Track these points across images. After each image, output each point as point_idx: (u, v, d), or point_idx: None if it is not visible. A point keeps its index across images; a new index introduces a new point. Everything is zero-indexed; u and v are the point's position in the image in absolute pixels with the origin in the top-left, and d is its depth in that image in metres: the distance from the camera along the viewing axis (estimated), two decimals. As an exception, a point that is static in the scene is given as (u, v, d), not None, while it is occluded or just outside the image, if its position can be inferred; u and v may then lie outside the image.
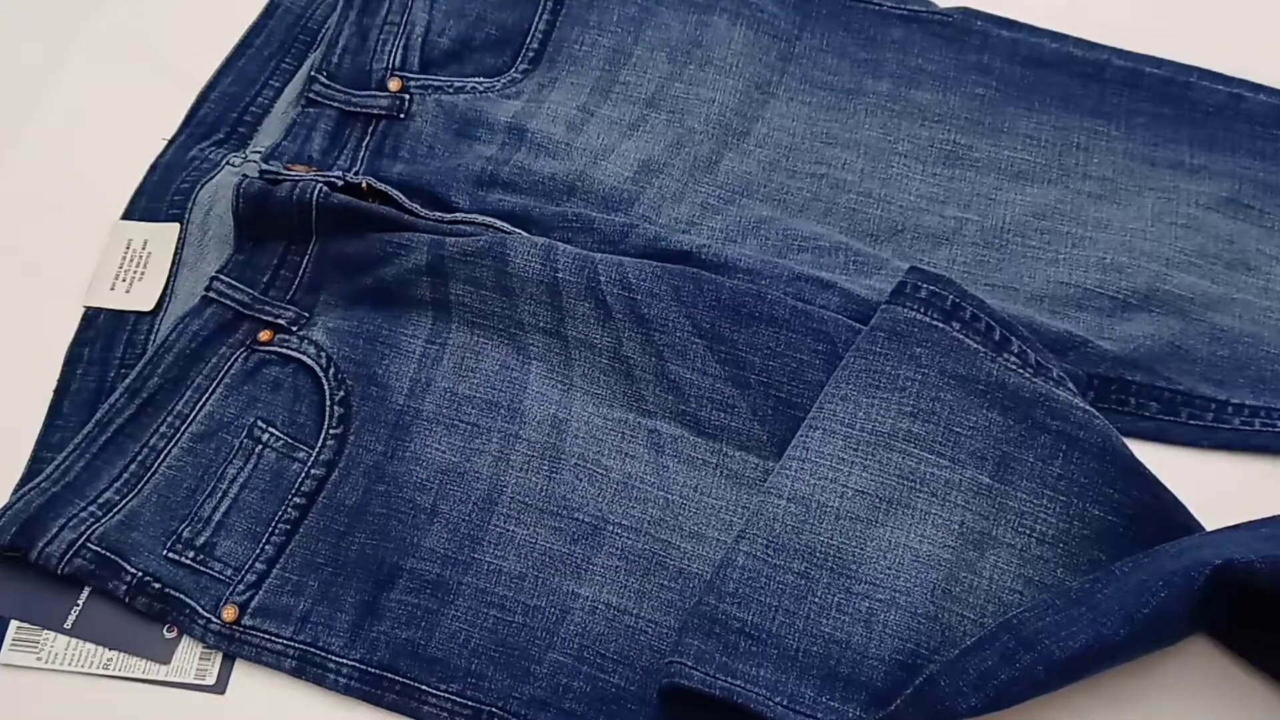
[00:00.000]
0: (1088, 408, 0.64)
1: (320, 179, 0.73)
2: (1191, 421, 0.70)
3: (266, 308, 0.73)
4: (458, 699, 0.63)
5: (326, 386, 0.71)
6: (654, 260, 0.71)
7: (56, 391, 0.73)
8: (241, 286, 0.73)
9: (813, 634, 0.60)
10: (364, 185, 0.75)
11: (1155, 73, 0.79)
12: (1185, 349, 0.71)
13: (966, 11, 0.81)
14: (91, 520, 0.66)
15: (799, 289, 0.71)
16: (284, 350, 0.72)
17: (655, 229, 0.73)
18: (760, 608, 0.60)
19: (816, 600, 0.61)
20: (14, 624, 0.67)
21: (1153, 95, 0.79)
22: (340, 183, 0.74)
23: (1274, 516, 0.60)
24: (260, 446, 0.69)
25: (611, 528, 0.66)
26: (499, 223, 0.74)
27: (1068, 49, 0.80)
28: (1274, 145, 0.77)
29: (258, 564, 0.66)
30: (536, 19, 0.82)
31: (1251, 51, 0.80)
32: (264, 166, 0.75)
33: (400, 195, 0.74)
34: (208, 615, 0.65)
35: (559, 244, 0.71)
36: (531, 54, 0.81)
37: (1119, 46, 0.80)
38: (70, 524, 0.66)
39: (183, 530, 0.67)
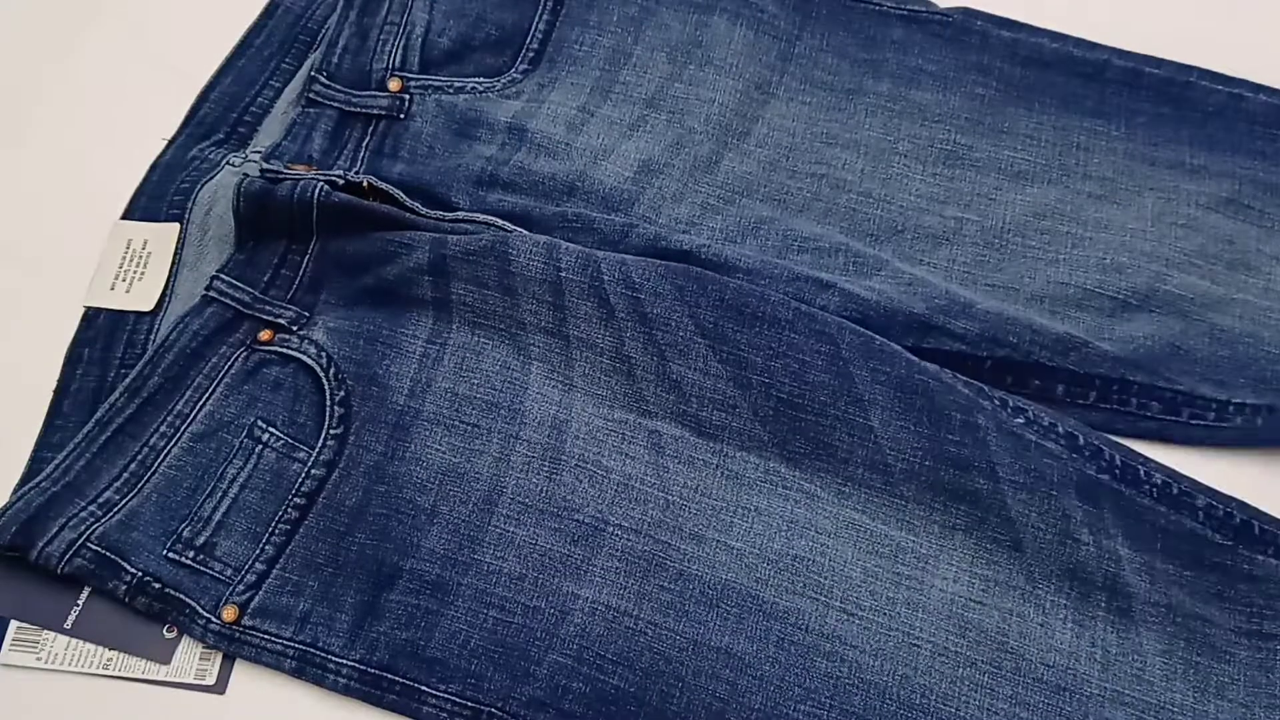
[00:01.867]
0: None
1: (321, 178, 0.73)
2: (1194, 421, 0.70)
3: (267, 307, 0.73)
4: (457, 699, 0.63)
5: (327, 386, 0.71)
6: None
7: (56, 391, 0.73)
8: (242, 286, 0.73)
9: None
10: (365, 184, 0.75)
11: (1155, 73, 0.79)
12: (1186, 349, 0.71)
13: (966, 11, 0.81)
14: (91, 520, 0.66)
15: (799, 289, 0.71)
16: (284, 350, 0.72)
17: (655, 229, 0.73)
18: None
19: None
20: (14, 624, 0.67)
21: (1153, 95, 0.78)
22: (341, 181, 0.74)
23: None
24: (260, 446, 0.69)
25: (611, 529, 0.66)
26: (500, 221, 0.74)
27: (1068, 49, 0.80)
28: (1274, 145, 0.77)
29: (258, 564, 0.66)
30: (536, 19, 0.82)
31: (1251, 51, 0.80)
32: (265, 166, 0.75)
33: (401, 194, 0.74)
34: (208, 615, 0.65)
35: (562, 242, 0.71)
36: (531, 54, 0.81)
37: (1119, 46, 0.79)
38: (70, 524, 0.66)
39: (183, 530, 0.67)
